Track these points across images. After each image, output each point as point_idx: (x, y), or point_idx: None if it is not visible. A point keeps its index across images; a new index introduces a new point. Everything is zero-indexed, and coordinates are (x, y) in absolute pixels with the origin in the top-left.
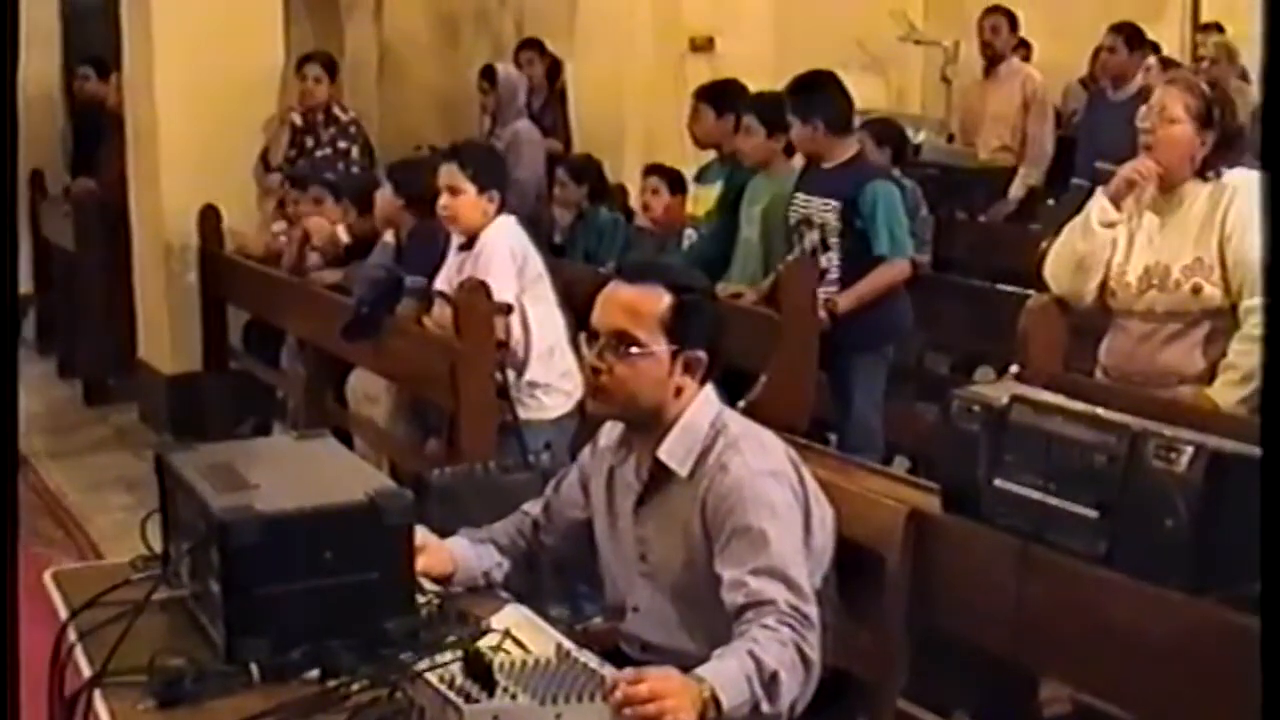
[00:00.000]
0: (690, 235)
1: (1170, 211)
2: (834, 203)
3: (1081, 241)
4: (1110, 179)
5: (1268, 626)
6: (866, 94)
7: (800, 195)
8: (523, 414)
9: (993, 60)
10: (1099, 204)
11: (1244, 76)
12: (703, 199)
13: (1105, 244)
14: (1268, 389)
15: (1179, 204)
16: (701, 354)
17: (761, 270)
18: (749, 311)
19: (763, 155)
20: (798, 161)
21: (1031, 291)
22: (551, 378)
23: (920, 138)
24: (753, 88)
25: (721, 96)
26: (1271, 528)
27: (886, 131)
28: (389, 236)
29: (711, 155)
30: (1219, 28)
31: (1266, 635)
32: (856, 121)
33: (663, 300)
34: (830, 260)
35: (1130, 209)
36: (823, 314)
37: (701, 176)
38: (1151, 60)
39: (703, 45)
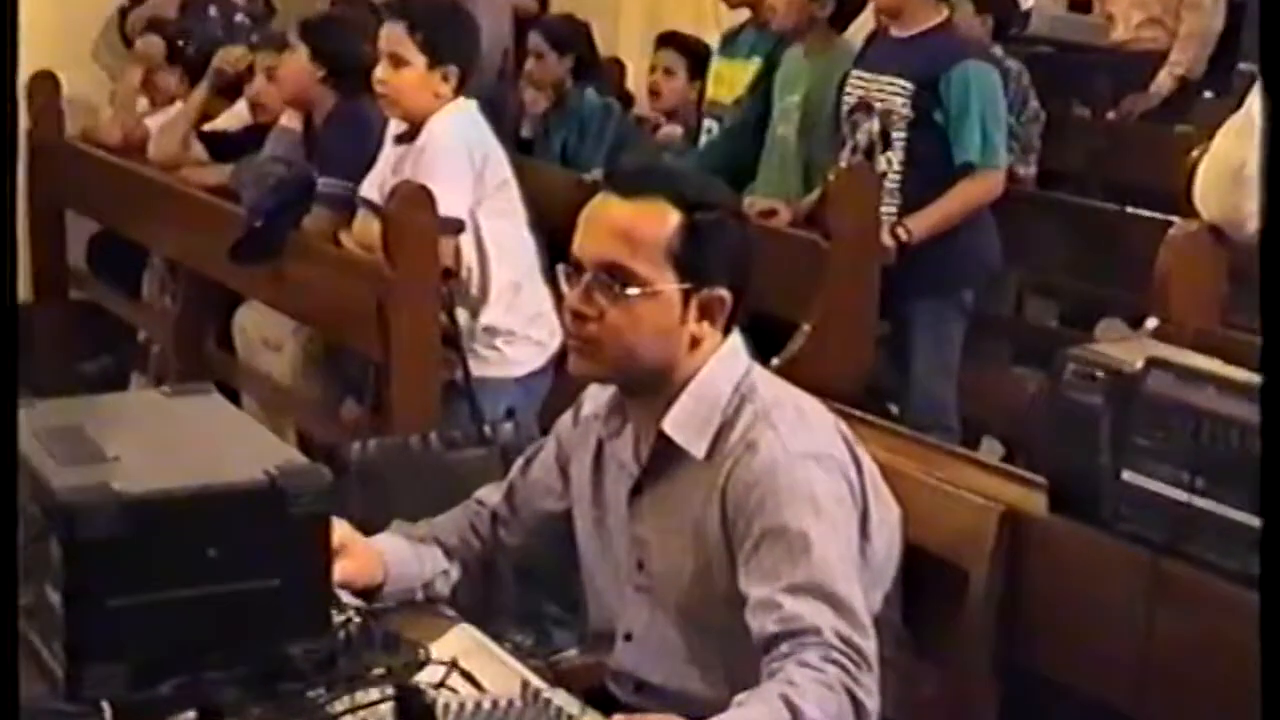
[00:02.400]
0: (709, 128)
1: None
2: (906, 84)
3: (1242, 146)
4: None
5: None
6: None
7: (860, 73)
8: (477, 369)
9: None
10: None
11: None
12: (728, 77)
13: None
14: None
15: None
16: (724, 292)
17: (800, 180)
18: (786, 236)
19: (798, 18)
20: (852, 40)
21: (1175, 218)
22: (516, 322)
23: (1031, 1)
24: None
25: None
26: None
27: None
28: (293, 121)
29: (743, 15)
30: None
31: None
32: None
33: (670, 220)
34: (890, 162)
35: None
36: (888, 240)
37: (728, 46)
38: None
39: None
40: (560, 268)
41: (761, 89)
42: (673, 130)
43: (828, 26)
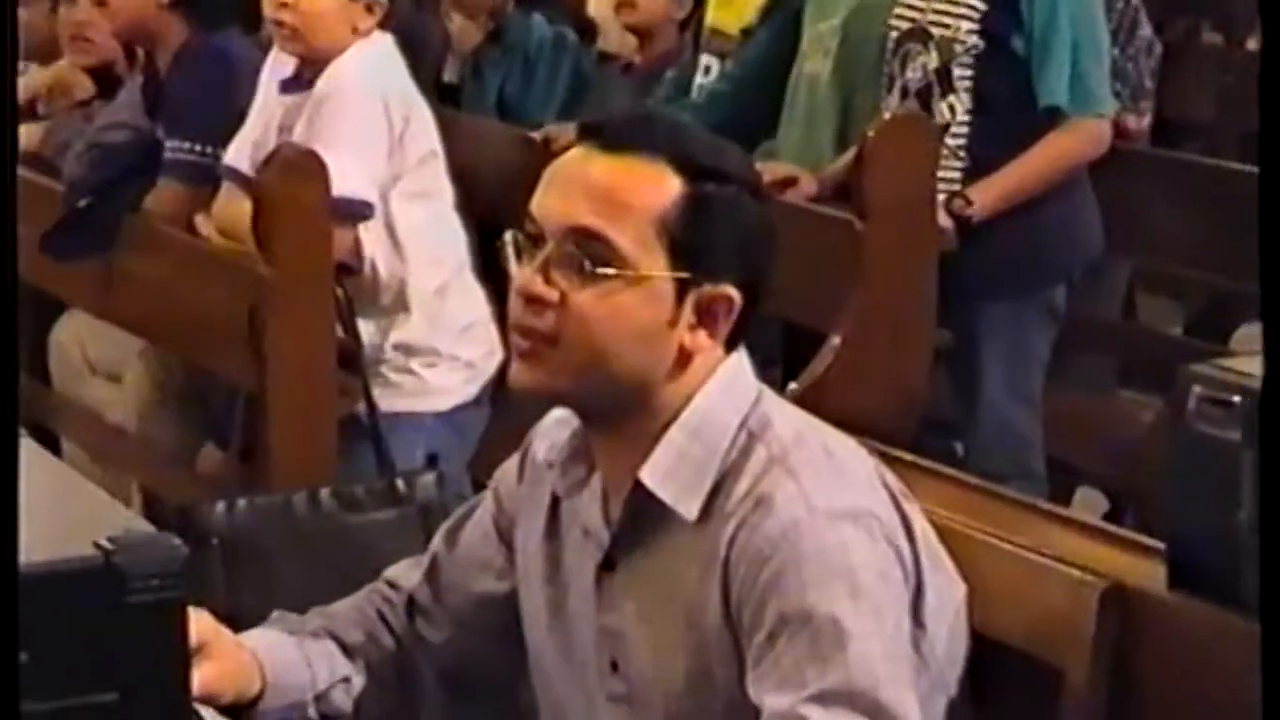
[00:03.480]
0: (707, 67)
1: None
2: (976, 2)
3: None
4: None
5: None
6: None
7: None
8: (386, 401)
9: None
10: None
11: None
12: (734, 1)
13: None
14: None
15: None
16: (731, 290)
17: (835, 137)
18: (808, 215)
19: None
20: None
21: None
22: (441, 337)
23: None
24: None
25: None
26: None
27: None
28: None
29: None
30: None
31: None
32: None
33: (669, 187)
34: (954, 110)
35: None
36: (945, 221)
37: None
38: None
39: None
40: (507, 236)
41: (781, 13)
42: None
43: None
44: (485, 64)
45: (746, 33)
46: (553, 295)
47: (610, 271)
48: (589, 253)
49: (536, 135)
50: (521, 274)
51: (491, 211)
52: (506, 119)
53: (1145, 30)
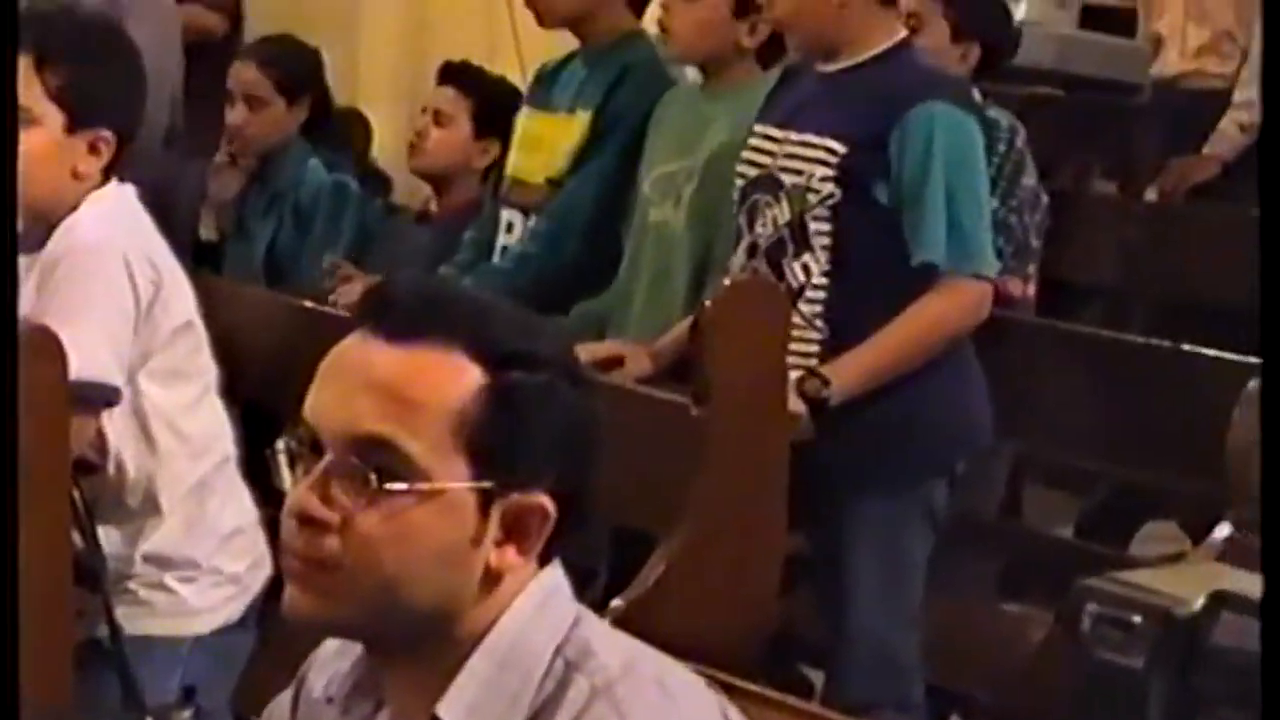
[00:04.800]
0: (509, 223)
1: None
2: (834, 144)
3: None
4: None
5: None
6: None
7: (766, 130)
8: (133, 623)
9: None
10: None
11: None
12: (546, 140)
13: None
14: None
15: None
16: (543, 499)
17: (689, 299)
18: (640, 399)
19: (714, 45)
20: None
21: (1258, 360)
22: (201, 546)
23: (1023, 12)
24: None
25: None
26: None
27: (966, 4)
28: None
29: (564, 44)
30: None
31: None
32: None
33: (466, 380)
34: (809, 271)
35: None
36: (797, 405)
37: (543, 90)
38: None
39: None
40: (280, 444)
41: (603, 156)
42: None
43: (753, 60)
44: (251, 217)
45: (554, 183)
46: (333, 517)
47: (401, 486)
48: (375, 464)
49: (327, 308)
50: (295, 491)
51: (260, 395)
52: (277, 282)
53: (1030, 179)
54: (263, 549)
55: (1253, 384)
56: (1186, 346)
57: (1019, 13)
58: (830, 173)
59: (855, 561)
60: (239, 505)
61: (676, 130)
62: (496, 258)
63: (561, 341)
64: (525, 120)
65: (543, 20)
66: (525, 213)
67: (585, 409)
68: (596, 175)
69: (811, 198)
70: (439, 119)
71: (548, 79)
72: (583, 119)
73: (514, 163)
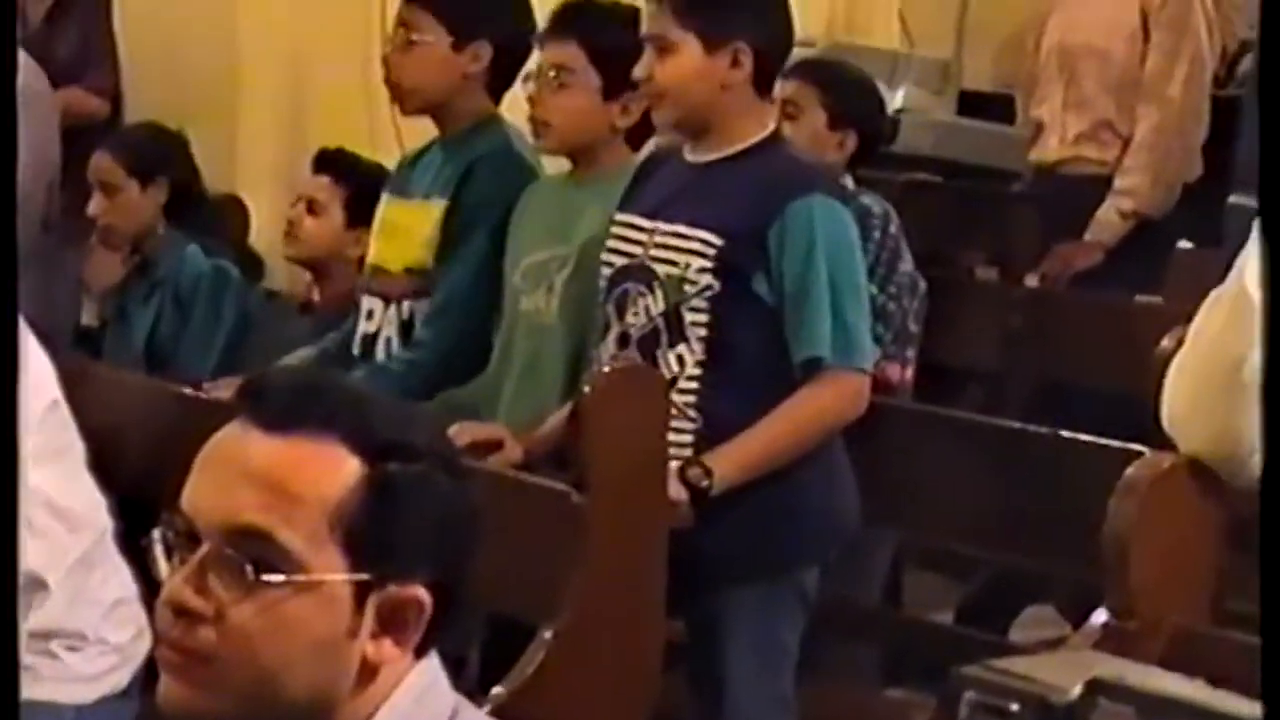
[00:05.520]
0: (370, 311)
1: None
2: (709, 237)
3: (1235, 335)
4: None
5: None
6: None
7: (632, 220)
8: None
9: None
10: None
11: None
12: (403, 228)
13: None
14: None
15: None
16: (420, 592)
17: (564, 389)
18: (520, 486)
19: (589, 126)
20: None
21: (1141, 448)
22: (85, 618)
23: (900, 99)
24: None
25: None
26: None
27: (842, 92)
28: None
29: (423, 131)
30: None
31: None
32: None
33: (344, 472)
34: (684, 364)
35: None
36: (678, 493)
37: (403, 178)
38: None
39: None
40: (155, 534)
41: (476, 244)
42: None
43: (623, 142)
44: (131, 304)
45: (413, 271)
46: (208, 608)
47: (277, 578)
48: (251, 555)
49: (204, 394)
50: (171, 581)
51: (138, 483)
52: (157, 369)
53: (907, 265)
54: (144, 620)
55: (1130, 471)
56: (1065, 433)
57: (897, 100)
58: (708, 264)
59: (730, 647)
60: (120, 577)
61: (546, 218)
62: (356, 347)
63: (439, 432)
64: (385, 208)
65: (403, 107)
66: (385, 301)
67: (463, 500)
68: (466, 268)
69: (689, 289)
70: (312, 207)
71: (407, 166)
72: (438, 207)
73: (374, 250)
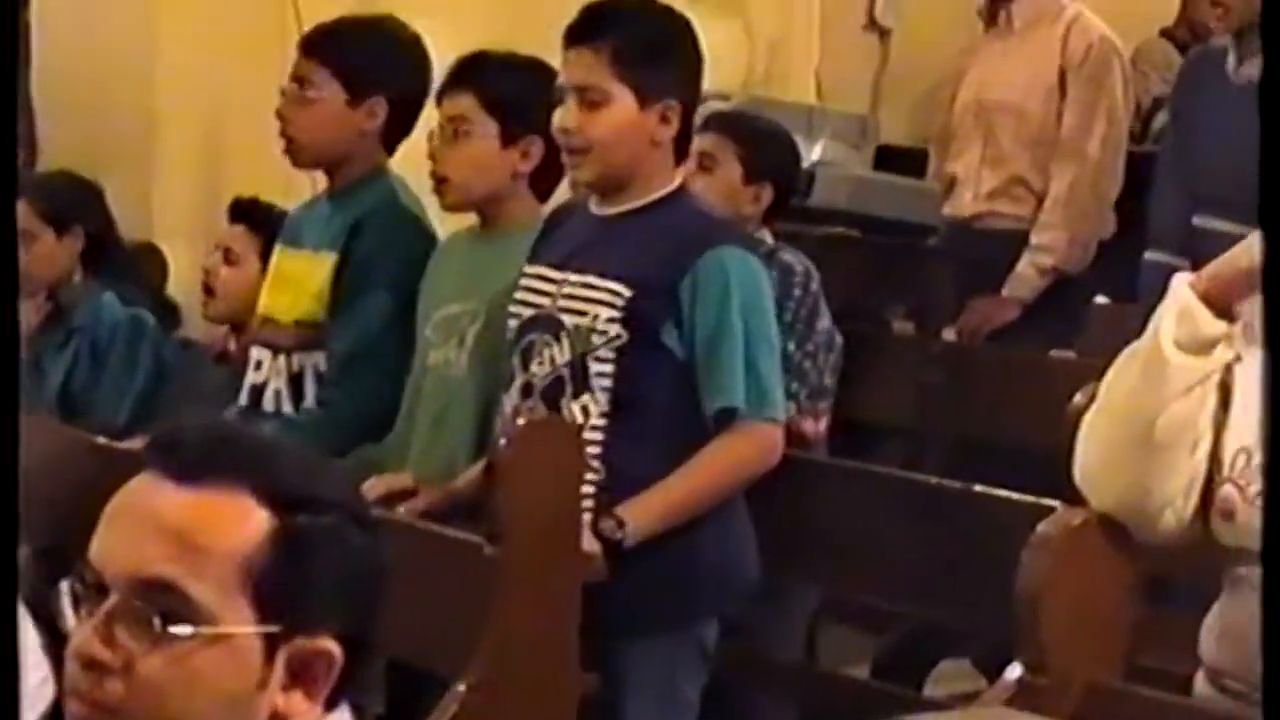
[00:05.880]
0: (259, 362)
1: None
2: (618, 288)
3: (1148, 392)
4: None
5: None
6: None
7: (540, 270)
8: None
9: None
10: (1178, 304)
11: None
12: (293, 279)
13: (1198, 398)
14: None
15: None
16: (330, 645)
17: (474, 442)
18: (432, 538)
19: (490, 176)
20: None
21: (1054, 503)
22: None
23: (817, 153)
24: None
25: (358, 36)
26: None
27: (758, 145)
28: None
29: (313, 182)
30: None
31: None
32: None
33: (253, 524)
34: (588, 415)
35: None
36: (592, 545)
37: (293, 229)
38: None
39: None
40: (64, 585)
41: (375, 296)
42: None
43: (528, 190)
44: (46, 352)
45: (302, 324)
46: (115, 661)
47: (185, 630)
48: (160, 607)
49: (119, 445)
50: (79, 633)
51: (51, 533)
52: (71, 418)
53: (825, 322)
54: (48, 668)
55: (1042, 527)
56: (979, 487)
57: (815, 154)
58: (617, 315)
59: (632, 700)
60: (24, 622)
61: (457, 272)
62: (245, 397)
63: (349, 485)
64: (277, 257)
65: (295, 160)
66: (274, 351)
67: (373, 553)
68: (367, 324)
69: (596, 339)
70: (229, 256)
71: (298, 216)
72: (328, 260)
73: (264, 301)
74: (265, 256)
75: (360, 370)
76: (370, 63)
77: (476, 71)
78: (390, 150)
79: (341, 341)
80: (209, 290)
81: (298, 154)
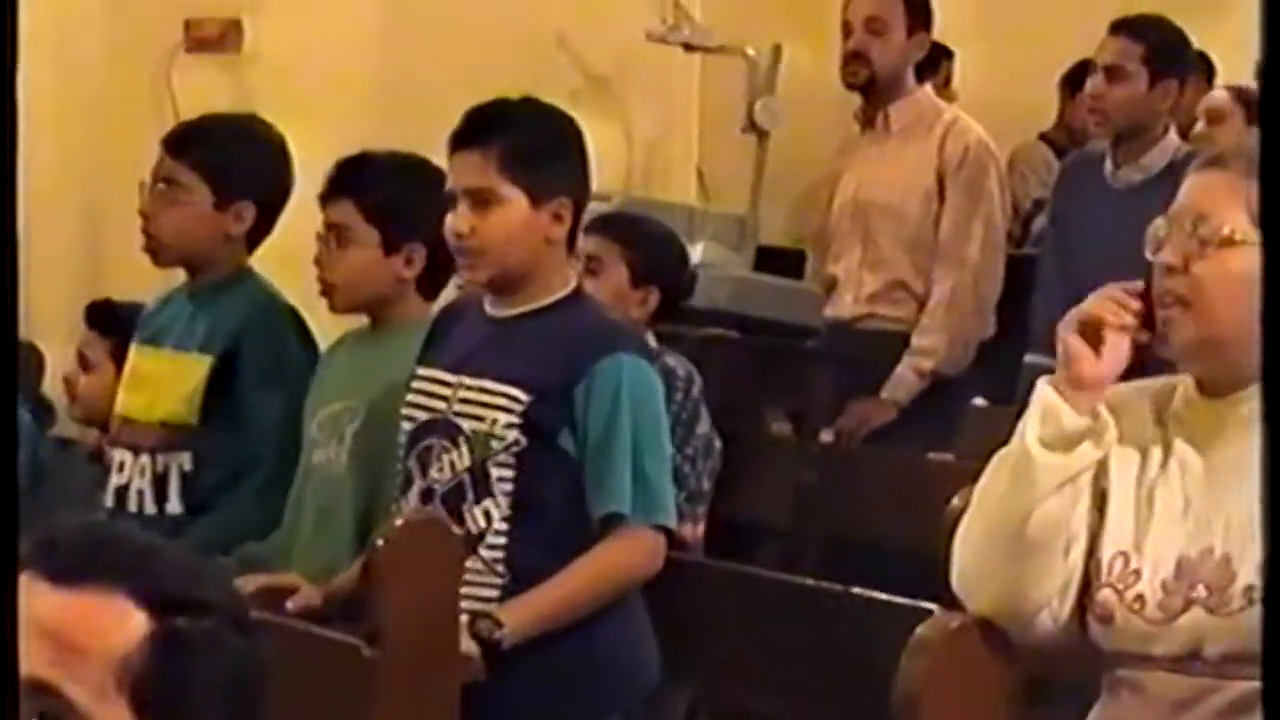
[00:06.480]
0: (121, 463)
1: (1229, 434)
2: (516, 392)
3: (1018, 493)
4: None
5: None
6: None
7: (434, 374)
8: None
9: (875, 91)
10: (1040, 403)
11: None
12: (153, 379)
13: (1069, 497)
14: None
15: (1248, 418)
16: None
17: (354, 542)
18: (311, 639)
19: (373, 282)
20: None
21: (931, 606)
22: None
23: (698, 255)
24: (336, 124)
25: (226, 139)
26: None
27: (646, 249)
28: None
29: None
30: None
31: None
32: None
33: (130, 625)
34: (490, 519)
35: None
36: (469, 646)
37: (149, 328)
38: (1222, 96)
39: (214, 39)
40: None
41: (262, 395)
42: None
43: (415, 293)
44: None
45: (170, 425)
46: None
47: None
48: (39, 710)
49: None
50: None
51: None
52: None
53: (704, 427)
54: None
55: (920, 630)
56: (857, 590)
57: (695, 255)
58: (515, 420)
59: None
60: None
61: (342, 372)
62: (110, 500)
63: (229, 587)
64: (133, 357)
65: (156, 259)
66: (135, 452)
67: (253, 656)
68: (254, 426)
69: (495, 444)
70: (84, 363)
71: (156, 314)
72: (200, 362)
73: (121, 400)
74: (120, 358)
75: (251, 471)
76: (239, 166)
77: (356, 177)
78: (251, 250)
79: (229, 442)
80: (71, 395)
81: (160, 253)
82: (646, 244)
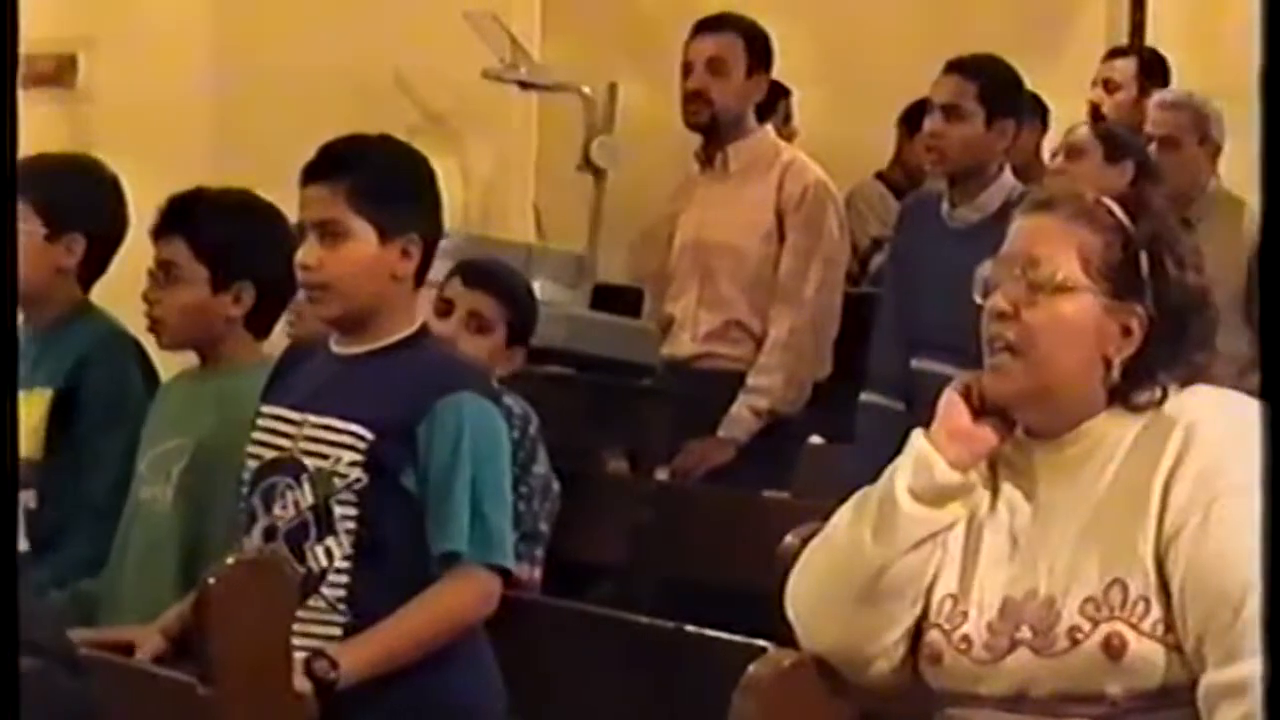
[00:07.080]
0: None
1: (1056, 478)
2: (360, 430)
3: (879, 540)
4: (941, 393)
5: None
6: None
7: (279, 412)
8: None
9: (715, 131)
10: (914, 452)
11: (1216, 155)
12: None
13: (926, 556)
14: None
15: (1074, 462)
16: None
17: (179, 580)
18: (146, 678)
19: (201, 321)
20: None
21: (765, 643)
22: None
23: (537, 291)
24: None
25: (57, 173)
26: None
27: (525, 310)
28: None
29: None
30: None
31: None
32: None
33: None
34: (332, 557)
35: (974, 469)
36: (303, 685)
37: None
38: (1083, 133)
39: (49, 74)
40: None
41: (91, 442)
42: None
43: (244, 331)
44: None
45: (43, 465)
46: None
47: None
48: None
49: None
50: None
51: None
52: None
53: (541, 467)
54: None
55: (753, 668)
56: (690, 628)
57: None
58: (358, 458)
59: None
60: None
61: (172, 410)
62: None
63: (59, 627)
64: None
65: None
66: None
67: (83, 696)
68: (98, 464)
69: (338, 482)
70: None
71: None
72: (42, 397)
73: None
74: None
75: (90, 506)
76: (69, 199)
77: (188, 214)
78: (87, 286)
79: (72, 478)
80: None
81: None
82: (525, 305)
